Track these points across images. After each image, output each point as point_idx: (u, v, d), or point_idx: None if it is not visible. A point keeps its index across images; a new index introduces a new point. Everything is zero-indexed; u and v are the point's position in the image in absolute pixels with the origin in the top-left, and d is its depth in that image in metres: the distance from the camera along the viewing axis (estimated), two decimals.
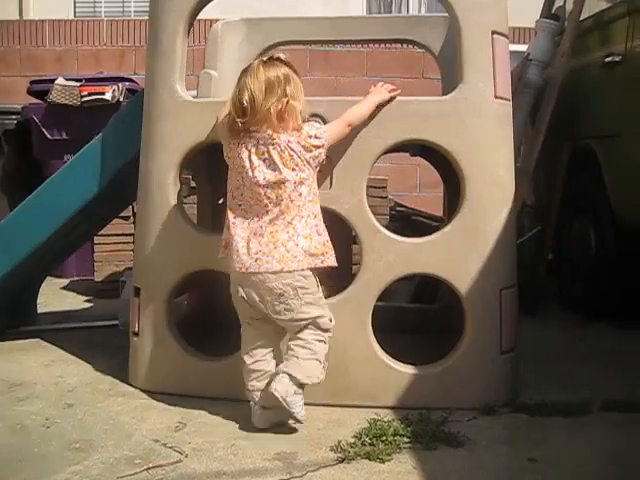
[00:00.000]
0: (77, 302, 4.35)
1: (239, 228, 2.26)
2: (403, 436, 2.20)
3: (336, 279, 2.55)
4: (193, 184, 3.66)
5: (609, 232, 3.71)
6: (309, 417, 2.38)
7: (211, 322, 3.11)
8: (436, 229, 2.54)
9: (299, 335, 2.29)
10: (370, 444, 2.15)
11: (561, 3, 4.37)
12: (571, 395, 2.58)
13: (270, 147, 2.21)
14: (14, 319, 3.44)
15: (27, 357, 3.08)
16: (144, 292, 2.66)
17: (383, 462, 2.06)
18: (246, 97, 2.19)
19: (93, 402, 2.55)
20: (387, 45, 5.73)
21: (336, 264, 2.29)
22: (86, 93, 4.74)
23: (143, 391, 2.66)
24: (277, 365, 2.31)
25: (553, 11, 4.42)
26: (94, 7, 7.16)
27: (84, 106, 4.73)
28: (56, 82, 4.83)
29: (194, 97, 2.78)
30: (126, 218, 4.23)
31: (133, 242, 2.86)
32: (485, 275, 2.45)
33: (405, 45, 4.14)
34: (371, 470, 2.02)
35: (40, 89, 4.95)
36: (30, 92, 5.06)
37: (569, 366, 2.99)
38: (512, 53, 2.75)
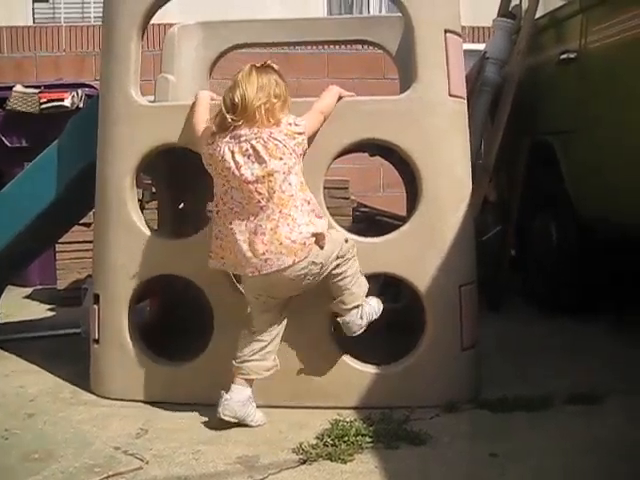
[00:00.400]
0: (40, 311, 4.29)
1: (238, 232, 2.25)
2: (365, 436, 2.20)
3: None
4: (154, 189, 3.63)
5: (569, 227, 3.75)
6: (271, 419, 2.39)
7: (174, 327, 3.09)
8: (396, 228, 2.55)
9: (334, 272, 2.34)
10: (332, 445, 2.15)
11: (517, 2, 4.42)
12: (533, 390, 2.60)
13: (253, 142, 2.23)
14: None
15: None
16: (103, 299, 2.64)
17: (345, 463, 2.07)
18: (238, 94, 2.24)
19: (54, 411, 2.52)
20: (348, 46, 5.74)
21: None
22: (45, 100, 4.67)
23: (105, 399, 2.64)
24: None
25: (510, 10, 4.45)
26: (53, 13, 7.08)
27: (43, 113, 4.67)
28: (14, 89, 4.76)
29: (151, 102, 2.77)
30: (87, 225, 4.16)
31: None
32: (444, 272, 2.46)
33: (366, 46, 4.13)
34: (333, 471, 2.02)
35: None
36: None
37: (532, 361, 3.02)
38: (470, 52, 2.77)
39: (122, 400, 2.59)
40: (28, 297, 4.68)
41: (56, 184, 2.96)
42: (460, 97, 2.55)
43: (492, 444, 2.17)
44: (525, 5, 4.16)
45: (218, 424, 2.34)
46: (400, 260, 2.45)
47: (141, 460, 2.10)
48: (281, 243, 2.20)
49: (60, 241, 4.13)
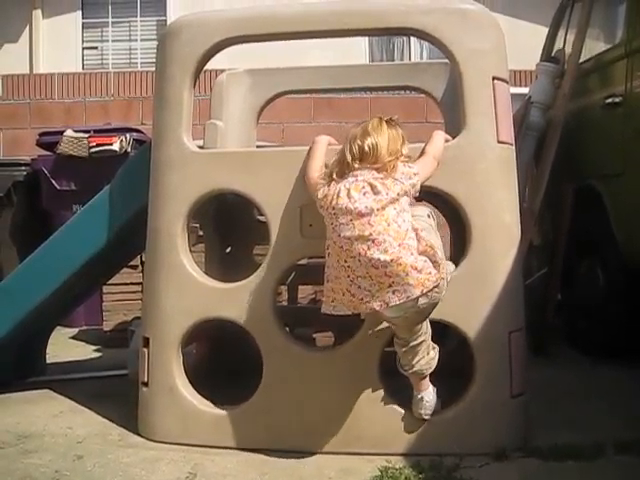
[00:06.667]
0: (86, 352, 4.34)
1: (355, 269, 2.21)
2: None
3: (345, 325, 2.55)
4: (201, 233, 3.69)
5: (616, 271, 3.70)
6: (320, 466, 2.37)
7: (219, 371, 3.10)
8: None
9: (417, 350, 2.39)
10: None
11: (560, 46, 4.44)
12: (583, 437, 2.55)
13: (371, 180, 2.25)
14: (23, 370, 3.44)
15: (36, 408, 3.07)
16: (153, 342, 2.66)
17: None
18: (369, 143, 2.28)
19: (103, 453, 2.53)
20: (391, 91, 5.80)
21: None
22: (94, 144, 4.80)
23: (153, 441, 2.64)
24: None
25: (553, 54, 4.48)
26: (102, 59, 7.30)
27: (92, 157, 4.79)
28: (65, 134, 4.89)
29: (200, 147, 2.82)
30: (134, 267, 4.25)
31: (141, 291, 2.87)
32: (493, 318, 2.44)
33: (408, 90, 4.18)
34: None
35: (49, 141, 5.01)
36: (39, 144, 5.13)
37: (580, 407, 2.96)
38: (514, 95, 2.78)
39: (170, 443, 2.60)
40: (74, 337, 4.75)
41: (107, 230, 3.00)
42: (508, 143, 2.56)
43: None
44: (568, 49, 4.19)
45: (267, 469, 2.34)
46: (450, 306, 2.43)
47: None
48: (407, 274, 2.17)
49: (107, 283, 4.19)
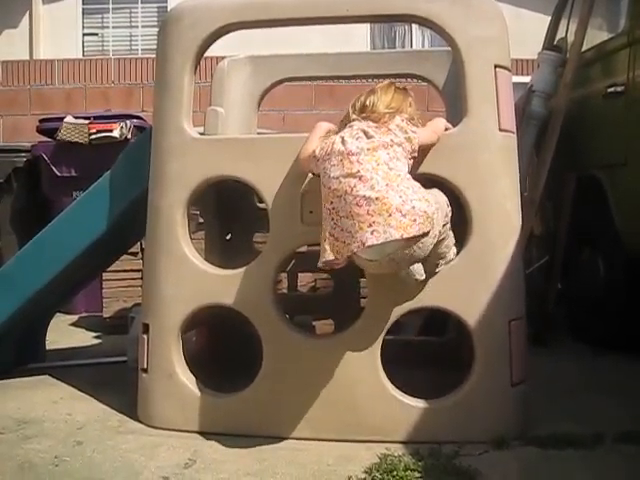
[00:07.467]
0: (86, 338, 4.35)
1: (339, 210, 2.19)
2: (414, 471, 2.18)
3: (345, 312, 2.55)
4: (201, 220, 3.69)
5: (617, 261, 3.70)
6: (319, 452, 2.37)
7: (219, 358, 3.11)
8: None
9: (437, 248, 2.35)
10: (381, 479, 2.13)
11: (562, 35, 4.43)
12: (583, 427, 2.55)
13: (365, 128, 2.30)
14: (22, 356, 3.44)
15: (35, 394, 3.08)
16: (153, 328, 2.66)
17: None
18: (371, 99, 2.38)
19: (102, 439, 2.54)
20: (392, 79, 5.78)
21: None
22: (94, 131, 4.80)
23: (152, 428, 2.64)
24: None
25: (555, 43, 4.47)
26: (102, 46, 7.28)
27: (92, 143, 4.79)
28: (65, 120, 4.90)
29: (201, 134, 2.81)
30: (134, 254, 4.25)
31: (141, 278, 2.87)
32: (494, 307, 2.44)
33: (409, 79, 4.18)
34: None
35: (49, 127, 5.02)
36: (39, 130, 5.13)
37: (580, 397, 2.96)
38: (516, 84, 2.78)
39: (170, 430, 2.60)
40: (74, 324, 4.75)
41: (107, 217, 3.00)
42: (510, 131, 2.55)
43: None
44: (571, 38, 4.17)
45: (266, 455, 2.34)
46: (450, 294, 2.44)
47: None
48: (390, 215, 2.11)
49: (107, 270, 4.19)
